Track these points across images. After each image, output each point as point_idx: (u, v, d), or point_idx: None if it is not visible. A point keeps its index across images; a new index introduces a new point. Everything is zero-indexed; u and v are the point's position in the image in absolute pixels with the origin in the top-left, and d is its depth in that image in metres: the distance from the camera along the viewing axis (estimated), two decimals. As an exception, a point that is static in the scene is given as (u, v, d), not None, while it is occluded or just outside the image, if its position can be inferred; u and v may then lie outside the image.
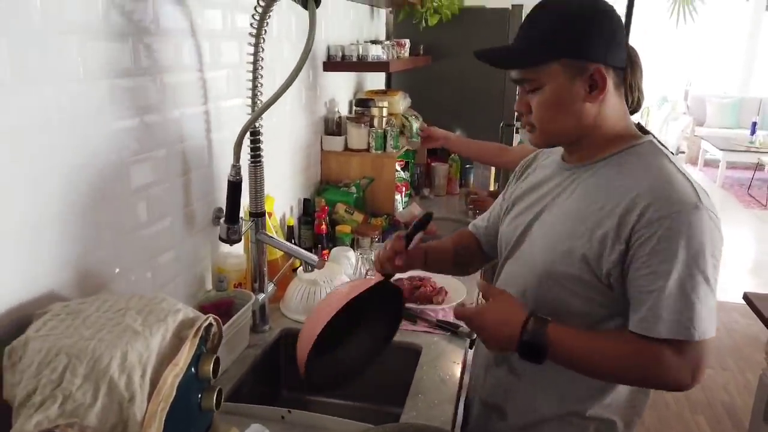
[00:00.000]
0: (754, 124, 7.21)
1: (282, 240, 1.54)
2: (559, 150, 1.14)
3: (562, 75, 0.97)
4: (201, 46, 1.40)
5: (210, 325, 0.92)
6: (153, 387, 0.82)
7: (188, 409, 0.90)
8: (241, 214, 1.48)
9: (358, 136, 2.26)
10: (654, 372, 0.93)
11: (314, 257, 1.36)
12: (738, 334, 3.67)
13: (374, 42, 2.62)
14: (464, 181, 3.06)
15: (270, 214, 1.81)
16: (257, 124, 1.40)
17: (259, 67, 1.36)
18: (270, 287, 1.56)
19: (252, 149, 1.43)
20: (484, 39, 3.05)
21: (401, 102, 2.68)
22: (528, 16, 1.04)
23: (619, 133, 1.04)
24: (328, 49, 2.24)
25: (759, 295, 1.82)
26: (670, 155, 1.02)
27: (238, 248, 1.59)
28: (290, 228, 1.93)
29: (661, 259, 0.91)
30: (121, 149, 1.15)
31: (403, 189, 2.50)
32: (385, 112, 2.32)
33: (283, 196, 1.97)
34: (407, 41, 2.89)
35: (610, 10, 0.99)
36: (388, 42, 2.72)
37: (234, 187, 1.28)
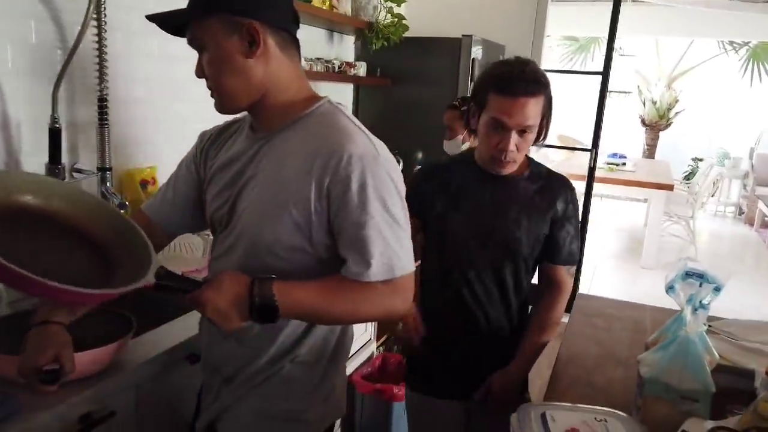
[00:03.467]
0: (814, 185, 6.70)
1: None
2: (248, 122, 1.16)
3: (221, 31, 1.02)
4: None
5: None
6: None
7: None
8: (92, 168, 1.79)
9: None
10: (374, 308, 1.05)
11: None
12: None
13: (326, 61, 2.95)
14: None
15: (152, 181, 2.11)
16: (104, 94, 1.74)
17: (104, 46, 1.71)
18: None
19: (99, 113, 1.76)
20: (438, 65, 3.27)
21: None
22: None
23: (296, 96, 1.10)
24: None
25: (583, 295, 1.85)
26: (347, 113, 1.10)
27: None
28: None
29: (358, 210, 1.00)
30: None
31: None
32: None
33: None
34: (363, 63, 3.20)
35: None
36: (336, 61, 3.04)
37: (53, 134, 1.60)
